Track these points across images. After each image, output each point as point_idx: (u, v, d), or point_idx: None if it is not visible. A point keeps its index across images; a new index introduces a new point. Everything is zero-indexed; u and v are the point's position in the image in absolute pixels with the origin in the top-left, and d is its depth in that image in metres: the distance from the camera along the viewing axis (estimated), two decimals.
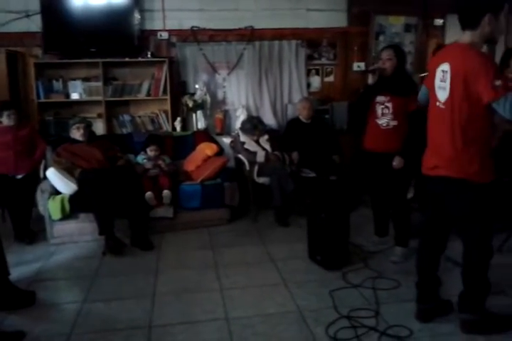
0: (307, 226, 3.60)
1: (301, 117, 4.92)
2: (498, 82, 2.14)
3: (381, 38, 5.53)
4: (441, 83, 2.36)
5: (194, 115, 5.10)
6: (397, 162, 3.29)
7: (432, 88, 2.47)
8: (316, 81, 5.54)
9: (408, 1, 5.37)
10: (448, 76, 2.30)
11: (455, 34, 5.65)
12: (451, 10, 5.41)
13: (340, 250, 3.39)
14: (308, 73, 5.47)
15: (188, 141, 4.87)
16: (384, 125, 3.36)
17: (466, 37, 2.29)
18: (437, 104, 2.41)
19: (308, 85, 5.50)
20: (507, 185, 3.52)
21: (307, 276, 3.27)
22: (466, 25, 2.29)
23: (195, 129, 5.11)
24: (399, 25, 5.55)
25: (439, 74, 2.38)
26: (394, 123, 3.32)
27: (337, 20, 5.39)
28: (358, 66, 5.47)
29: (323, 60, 5.51)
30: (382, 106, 3.34)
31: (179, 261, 3.61)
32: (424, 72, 4.37)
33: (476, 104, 2.22)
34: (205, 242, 4.01)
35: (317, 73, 5.53)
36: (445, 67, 2.33)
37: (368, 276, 3.21)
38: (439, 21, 5.60)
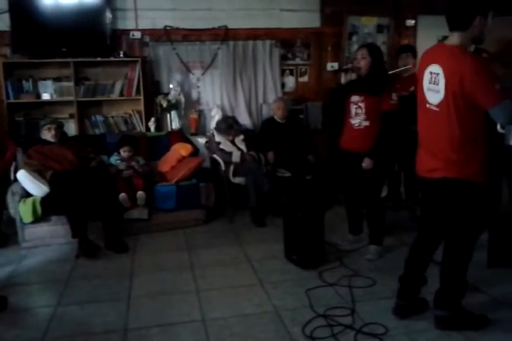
0: (283, 226, 3.60)
1: (276, 117, 4.93)
2: (496, 87, 2.16)
3: (354, 38, 5.58)
4: (432, 85, 2.34)
5: (168, 115, 5.06)
6: (366, 163, 3.32)
7: (420, 91, 2.46)
8: (290, 81, 5.56)
9: (380, 2, 5.43)
10: (441, 78, 2.28)
11: (426, 34, 5.80)
12: (422, 11, 5.53)
13: (316, 249, 3.40)
14: (282, 73, 5.48)
15: (162, 142, 4.83)
16: (356, 125, 3.39)
17: (455, 38, 2.29)
18: (427, 106, 2.40)
19: (283, 85, 5.51)
20: None
21: (283, 276, 3.27)
22: (456, 26, 2.28)
23: (169, 129, 5.07)
24: (371, 26, 5.61)
25: (427, 76, 2.38)
26: (366, 123, 3.34)
27: (310, 20, 5.41)
28: (332, 66, 5.51)
29: (297, 60, 5.53)
30: (356, 106, 3.36)
31: (155, 263, 3.57)
32: (392, 70, 4.43)
33: (474, 104, 2.23)
34: (181, 243, 3.98)
35: (291, 73, 5.54)
36: (435, 68, 2.32)
37: (343, 275, 3.23)
38: (410, 22, 5.68)
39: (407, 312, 2.66)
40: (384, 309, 2.74)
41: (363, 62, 3.31)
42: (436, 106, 2.34)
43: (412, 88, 3.78)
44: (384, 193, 4.68)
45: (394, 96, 3.26)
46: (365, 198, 3.52)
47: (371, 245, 3.57)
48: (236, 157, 4.63)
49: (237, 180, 4.53)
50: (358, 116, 3.37)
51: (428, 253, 2.64)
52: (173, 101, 4.97)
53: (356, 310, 2.76)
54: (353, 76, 3.33)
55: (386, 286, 3.02)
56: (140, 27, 5.03)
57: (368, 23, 5.61)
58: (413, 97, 2.66)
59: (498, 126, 3.14)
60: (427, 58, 2.45)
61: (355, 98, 3.37)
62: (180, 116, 5.08)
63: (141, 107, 4.99)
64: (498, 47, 4.86)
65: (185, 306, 2.88)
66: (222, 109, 5.21)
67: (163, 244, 3.98)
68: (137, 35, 5.03)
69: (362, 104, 3.33)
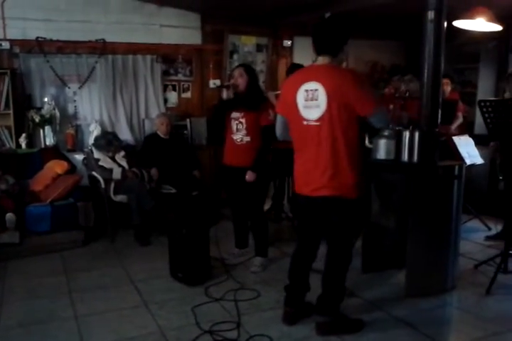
0: (168, 244, 3.53)
1: (159, 133, 4.86)
2: (375, 95, 2.40)
3: (235, 56, 5.73)
4: (309, 102, 2.45)
5: (41, 131, 4.76)
6: (249, 175, 3.41)
7: (292, 111, 2.54)
8: (173, 96, 5.54)
9: (259, 23, 5.65)
10: (320, 93, 2.39)
11: (302, 55, 6.14)
12: (297, 32, 5.86)
13: (202, 265, 3.38)
14: (164, 89, 5.46)
15: (34, 159, 4.55)
16: (238, 140, 3.47)
17: (327, 60, 2.49)
18: (305, 123, 2.49)
19: (166, 101, 5.48)
20: None
21: (169, 295, 3.19)
22: (325, 51, 2.49)
23: (42, 146, 4.76)
24: (251, 45, 5.82)
25: (302, 94, 2.48)
26: (247, 139, 3.44)
27: (191, 37, 5.46)
28: (214, 83, 5.60)
29: (180, 76, 5.54)
30: (237, 122, 3.45)
31: (27, 290, 3.29)
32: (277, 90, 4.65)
33: (353, 114, 2.40)
34: (58, 267, 3.72)
35: (174, 89, 5.53)
36: (311, 85, 2.43)
37: (229, 289, 3.24)
38: (287, 42, 5.99)
39: (295, 318, 2.74)
40: (268, 319, 2.79)
41: (240, 79, 3.43)
42: (317, 120, 2.45)
43: None
44: (267, 206, 4.83)
45: (271, 113, 3.39)
46: (250, 211, 3.59)
47: (256, 257, 3.64)
48: (117, 174, 4.47)
49: (119, 197, 4.36)
50: (239, 131, 3.45)
51: (308, 262, 2.75)
52: (47, 115, 4.69)
53: (242, 323, 2.77)
54: (231, 94, 3.42)
55: (270, 297, 3.09)
56: (8, 37, 4.71)
57: (247, 42, 5.80)
58: None
59: (367, 141, 3.41)
60: (296, 79, 2.57)
61: (235, 114, 3.45)
62: (55, 132, 4.81)
63: (11, 122, 4.65)
64: (365, 67, 5.38)
65: (62, 334, 2.68)
66: (102, 124, 5.04)
67: (38, 268, 3.70)
68: (5, 45, 4.71)
69: (243, 120, 3.43)
